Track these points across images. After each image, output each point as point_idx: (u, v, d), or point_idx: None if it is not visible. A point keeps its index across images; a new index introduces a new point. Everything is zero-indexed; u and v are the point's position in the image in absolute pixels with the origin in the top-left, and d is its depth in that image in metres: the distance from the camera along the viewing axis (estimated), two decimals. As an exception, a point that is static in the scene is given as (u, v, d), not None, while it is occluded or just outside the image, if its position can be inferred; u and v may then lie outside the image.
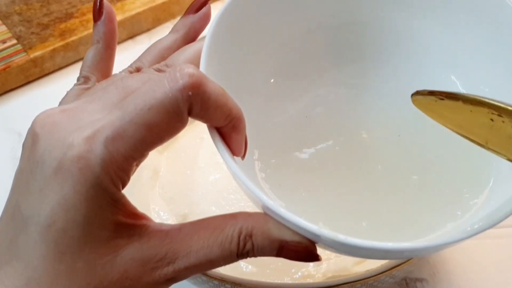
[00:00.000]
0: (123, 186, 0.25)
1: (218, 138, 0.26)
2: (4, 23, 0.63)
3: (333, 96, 0.37)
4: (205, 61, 0.28)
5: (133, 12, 0.64)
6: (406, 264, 0.34)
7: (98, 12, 0.31)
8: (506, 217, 0.26)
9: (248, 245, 0.25)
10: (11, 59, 0.59)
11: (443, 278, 0.44)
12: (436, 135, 0.32)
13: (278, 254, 0.26)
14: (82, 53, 0.64)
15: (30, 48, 0.61)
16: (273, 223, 0.25)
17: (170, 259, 0.25)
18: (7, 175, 0.51)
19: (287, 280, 0.40)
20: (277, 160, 0.35)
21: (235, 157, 0.27)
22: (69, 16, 0.64)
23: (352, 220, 0.33)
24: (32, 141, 0.25)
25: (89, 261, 0.24)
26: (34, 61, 0.60)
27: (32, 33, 0.62)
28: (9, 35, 0.62)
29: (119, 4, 0.65)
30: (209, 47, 0.29)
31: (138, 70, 0.30)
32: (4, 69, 0.59)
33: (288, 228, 0.25)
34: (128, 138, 0.23)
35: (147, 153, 0.25)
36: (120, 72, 0.30)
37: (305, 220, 0.24)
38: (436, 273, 0.44)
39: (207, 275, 0.34)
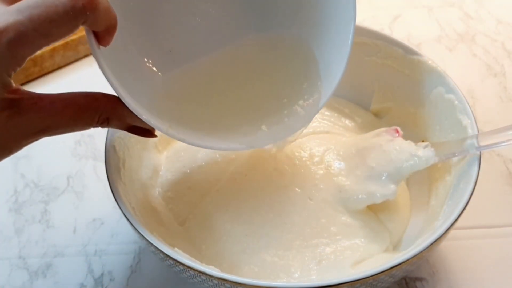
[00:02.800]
0: (14, 72, 0.30)
1: (93, 39, 0.32)
2: (3, 22, 0.63)
3: None
4: None
5: None
6: (406, 264, 0.34)
7: None
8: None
9: (105, 124, 0.34)
10: (11, 58, 0.60)
11: (443, 278, 0.44)
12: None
13: (127, 131, 0.36)
14: (82, 53, 0.64)
15: (30, 47, 0.61)
16: (128, 112, 0.34)
17: (45, 129, 0.32)
18: (7, 174, 0.52)
19: (286, 280, 0.40)
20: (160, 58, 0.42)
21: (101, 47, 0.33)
22: (69, 15, 0.64)
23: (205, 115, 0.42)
24: None
25: None
26: (33, 60, 0.60)
27: (32, 32, 0.62)
28: (9, 34, 0.62)
29: None
30: None
31: None
32: (4, 68, 0.59)
33: (138, 118, 0.35)
34: (28, 43, 0.28)
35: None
36: None
37: (153, 118, 0.35)
38: (435, 273, 0.44)
39: (206, 274, 0.34)
